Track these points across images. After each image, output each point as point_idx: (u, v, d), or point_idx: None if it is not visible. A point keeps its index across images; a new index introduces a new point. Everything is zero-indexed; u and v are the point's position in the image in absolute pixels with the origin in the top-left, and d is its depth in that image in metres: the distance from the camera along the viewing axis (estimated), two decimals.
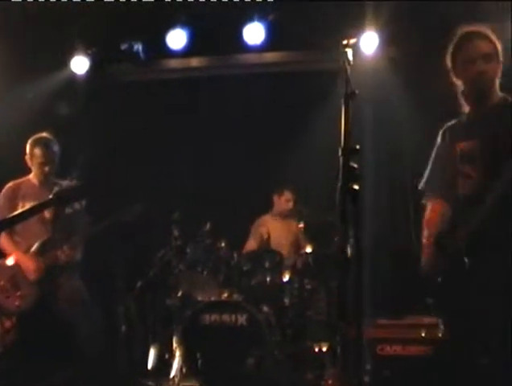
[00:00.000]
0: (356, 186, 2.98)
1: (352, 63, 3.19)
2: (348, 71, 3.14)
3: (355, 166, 3.00)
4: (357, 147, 3.00)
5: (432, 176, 4.20)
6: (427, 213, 4.21)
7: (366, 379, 5.46)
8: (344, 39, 3.21)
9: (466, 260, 3.75)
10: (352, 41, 3.22)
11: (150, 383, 6.23)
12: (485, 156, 3.74)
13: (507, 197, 3.57)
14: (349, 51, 3.20)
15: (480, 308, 3.79)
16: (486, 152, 3.74)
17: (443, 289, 3.99)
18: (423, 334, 5.61)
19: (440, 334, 5.60)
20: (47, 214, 5.78)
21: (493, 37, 3.87)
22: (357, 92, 3.09)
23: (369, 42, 7.16)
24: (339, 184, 2.96)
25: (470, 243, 3.73)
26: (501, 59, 3.83)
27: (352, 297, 3.06)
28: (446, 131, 4.14)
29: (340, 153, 3.00)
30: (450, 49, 3.94)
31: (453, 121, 4.07)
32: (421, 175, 4.37)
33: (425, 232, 4.20)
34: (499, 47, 3.84)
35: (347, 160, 2.98)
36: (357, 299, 3.02)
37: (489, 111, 3.82)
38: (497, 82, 3.83)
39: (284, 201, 7.61)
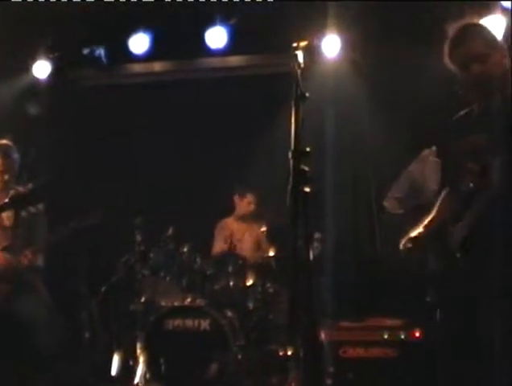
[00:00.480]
0: (307, 189, 2.97)
1: (302, 65, 3.17)
2: (299, 73, 3.12)
3: (306, 168, 2.99)
4: (308, 150, 2.99)
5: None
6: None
7: (329, 381, 5.47)
8: (295, 42, 3.20)
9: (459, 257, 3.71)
10: (302, 43, 3.21)
11: None
12: (489, 152, 3.57)
13: (496, 197, 3.53)
14: (300, 54, 3.19)
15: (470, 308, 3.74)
16: (491, 149, 3.56)
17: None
18: (385, 337, 5.63)
19: (403, 336, 5.63)
20: (6, 221, 5.72)
21: (487, 28, 3.70)
22: (307, 94, 3.08)
23: (331, 45, 7.21)
24: (289, 187, 2.96)
25: (463, 243, 3.69)
26: (503, 46, 3.64)
27: (307, 301, 3.03)
28: (454, 124, 3.89)
29: (290, 155, 2.99)
30: (446, 53, 3.71)
31: (462, 113, 3.82)
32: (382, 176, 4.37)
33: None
34: (497, 36, 3.67)
35: (297, 163, 2.97)
36: (310, 302, 3.00)
37: (500, 105, 3.58)
38: (507, 76, 3.58)
39: (246, 204, 7.58)
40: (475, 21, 3.78)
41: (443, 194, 4.06)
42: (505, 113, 3.52)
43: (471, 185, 3.67)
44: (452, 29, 3.70)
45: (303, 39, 3.23)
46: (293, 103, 3.07)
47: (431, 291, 5.58)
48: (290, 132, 3.06)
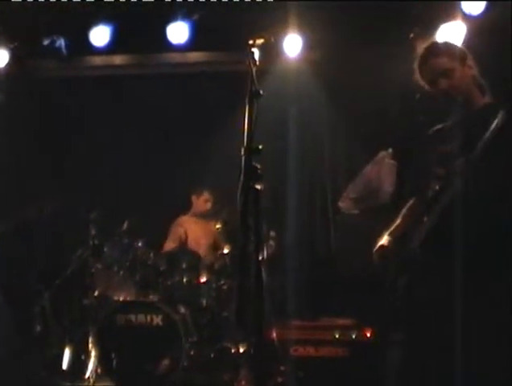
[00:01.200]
0: (258, 186, 2.97)
1: (258, 63, 3.17)
2: (254, 71, 3.12)
3: (257, 165, 2.99)
4: (260, 147, 2.99)
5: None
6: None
7: (280, 380, 5.49)
8: (250, 40, 3.20)
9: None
10: (259, 41, 3.22)
11: (65, 383, 6.15)
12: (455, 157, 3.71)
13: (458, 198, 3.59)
14: (256, 52, 3.19)
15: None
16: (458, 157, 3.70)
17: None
18: (336, 336, 5.67)
19: (354, 336, 5.68)
20: None
21: (452, 44, 3.93)
22: (261, 92, 3.07)
23: (292, 44, 7.22)
24: (240, 184, 2.96)
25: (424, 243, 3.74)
26: (469, 63, 3.81)
27: (257, 299, 3.03)
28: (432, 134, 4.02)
29: (242, 152, 2.99)
30: (416, 70, 3.87)
31: (439, 126, 3.97)
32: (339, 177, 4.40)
33: None
34: (463, 53, 3.84)
35: (249, 160, 2.97)
36: (260, 300, 2.99)
37: (469, 118, 3.76)
38: (475, 86, 3.80)
39: (203, 202, 7.59)
40: (441, 40, 3.98)
41: (410, 202, 4.10)
42: (473, 124, 3.67)
43: (437, 188, 3.75)
44: (420, 48, 3.89)
45: (259, 37, 3.23)
46: (247, 100, 3.06)
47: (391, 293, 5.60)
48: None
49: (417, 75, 3.87)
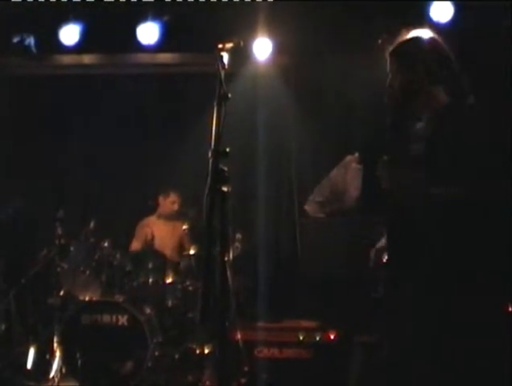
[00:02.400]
0: (225, 189, 3.00)
1: (226, 66, 3.20)
2: (222, 74, 3.15)
3: (225, 168, 3.02)
4: (227, 150, 3.02)
5: None
6: None
7: (243, 380, 5.51)
8: (219, 43, 3.23)
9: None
10: (228, 45, 3.24)
11: (29, 383, 6.12)
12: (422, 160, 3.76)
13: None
14: (225, 55, 3.22)
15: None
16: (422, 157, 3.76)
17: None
18: (300, 338, 5.71)
19: (318, 338, 5.72)
20: None
21: (416, 46, 3.88)
22: (229, 95, 3.10)
23: (262, 48, 7.26)
24: (207, 186, 2.98)
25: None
26: (432, 63, 3.79)
27: (221, 300, 3.05)
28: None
29: (209, 155, 3.02)
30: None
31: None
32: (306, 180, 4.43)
33: None
34: (424, 53, 3.82)
35: (216, 162, 3.00)
36: (224, 301, 3.02)
37: (430, 118, 3.79)
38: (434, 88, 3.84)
39: (169, 203, 7.59)
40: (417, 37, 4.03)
41: None
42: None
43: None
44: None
45: (228, 41, 3.26)
46: (215, 103, 3.09)
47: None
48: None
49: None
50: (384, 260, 3.93)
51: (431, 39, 3.99)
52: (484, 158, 3.60)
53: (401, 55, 3.84)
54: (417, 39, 4.02)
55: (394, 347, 3.74)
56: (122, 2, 6.91)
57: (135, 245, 7.44)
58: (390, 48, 3.91)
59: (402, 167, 3.70)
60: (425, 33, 6.55)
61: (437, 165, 3.59)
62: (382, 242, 4.08)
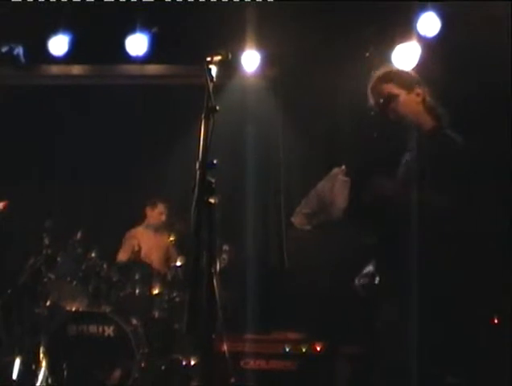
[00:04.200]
0: (212, 200, 3.02)
1: (215, 79, 3.23)
2: (211, 87, 3.17)
3: (212, 180, 3.04)
4: (215, 162, 3.04)
5: None
6: None
7: None
8: (208, 56, 3.26)
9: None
10: (216, 58, 3.28)
11: None
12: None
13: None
14: (213, 68, 3.25)
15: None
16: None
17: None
18: (287, 349, 5.71)
19: (304, 350, 5.73)
20: None
21: (402, 73, 4.20)
22: (217, 107, 3.13)
23: (250, 60, 7.28)
24: (195, 198, 3.00)
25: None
26: (417, 90, 4.03)
27: (207, 311, 3.07)
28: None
29: (197, 166, 3.04)
30: (369, 94, 4.14)
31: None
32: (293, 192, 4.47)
33: None
34: (412, 81, 4.07)
35: (203, 174, 3.02)
36: (208, 313, 3.04)
37: (417, 141, 4.01)
38: (419, 110, 4.03)
39: (157, 214, 7.61)
40: (393, 68, 4.35)
41: None
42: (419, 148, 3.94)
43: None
44: (375, 75, 4.15)
45: (216, 54, 3.29)
46: (203, 115, 3.12)
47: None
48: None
49: (370, 100, 4.12)
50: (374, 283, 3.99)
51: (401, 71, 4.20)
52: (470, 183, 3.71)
53: (393, 81, 4.03)
54: (404, 70, 4.21)
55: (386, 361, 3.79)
56: (111, 13, 6.92)
57: (122, 256, 7.44)
58: (370, 85, 4.10)
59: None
60: (413, 47, 6.65)
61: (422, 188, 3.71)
62: (369, 268, 4.13)
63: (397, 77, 4.08)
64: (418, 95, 4.02)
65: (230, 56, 3.37)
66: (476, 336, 3.91)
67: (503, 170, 5.39)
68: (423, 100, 4.03)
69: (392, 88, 4.00)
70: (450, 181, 3.72)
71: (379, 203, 3.93)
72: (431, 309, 3.63)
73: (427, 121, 4.02)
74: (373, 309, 4.00)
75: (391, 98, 3.98)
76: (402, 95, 3.99)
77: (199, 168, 3.03)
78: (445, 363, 3.70)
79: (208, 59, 3.25)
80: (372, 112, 4.20)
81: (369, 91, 4.12)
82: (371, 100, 4.10)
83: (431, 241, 3.66)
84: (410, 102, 4.01)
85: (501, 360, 4.22)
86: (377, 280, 3.99)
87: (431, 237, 3.65)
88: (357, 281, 4.18)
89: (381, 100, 4.01)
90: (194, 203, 3.00)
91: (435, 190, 3.71)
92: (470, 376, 3.80)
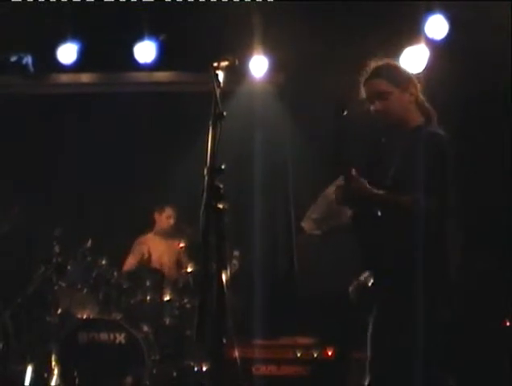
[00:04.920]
0: (220, 206, 3.02)
1: (222, 85, 3.22)
2: (218, 93, 3.17)
3: (220, 185, 3.04)
4: (223, 167, 3.04)
5: None
6: None
7: None
8: (215, 62, 3.26)
9: None
10: (223, 63, 3.27)
11: None
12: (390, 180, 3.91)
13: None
14: (220, 74, 3.25)
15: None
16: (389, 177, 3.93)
17: None
18: (298, 355, 5.71)
19: (316, 355, 5.72)
20: None
21: (395, 68, 4.05)
22: (225, 113, 3.12)
23: (258, 66, 7.29)
24: (203, 203, 3.00)
25: None
26: (411, 90, 3.94)
27: (218, 317, 3.06)
28: None
29: (205, 172, 3.04)
30: (362, 85, 4.05)
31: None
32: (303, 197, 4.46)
33: None
34: (406, 79, 3.97)
35: (212, 179, 3.02)
36: (221, 318, 3.03)
37: (401, 138, 3.95)
38: (410, 109, 3.94)
39: (165, 218, 7.59)
40: (388, 61, 4.09)
41: None
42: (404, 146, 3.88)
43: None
44: (368, 66, 4.05)
45: (224, 59, 3.29)
46: (210, 122, 3.11)
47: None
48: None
49: (360, 93, 4.06)
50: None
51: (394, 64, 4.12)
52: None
53: (384, 77, 3.93)
54: (396, 64, 4.13)
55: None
56: (119, 20, 6.94)
57: (130, 262, 7.43)
58: (363, 78, 4.02)
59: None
60: (421, 50, 6.64)
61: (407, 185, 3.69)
62: (366, 274, 4.12)
63: (390, 73, 3.96)
64: (411, 94, 3.92)
65: (237, 62, 3.36)
66: (478, 338, 3.91)
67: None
68: (416, 98, 3.94)
69: (384, 85, 3.90)
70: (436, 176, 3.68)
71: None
72: (430, 311, 3.63)
73: (416, 118, 3.94)
74: (365, 312, 3.97)
75: (382, 96, 3.89)
76: (396, 93, 3.89)
77: (207, 173, 3.03)
78: (447, 365, 3.70)
79: (215, 64, 3.24)
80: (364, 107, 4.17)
81: (361, 84, 4.04)
82: (362, 94, 4.04)
83: (423, 240, 3.65)
84: (402, 101, 3.90)
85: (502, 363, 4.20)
86: (370, 282, 3.95)
87: (421, 236, 3.65)
88: (350, 288, 4.15)
89: (373, 96, 3.93)
90: (202, 208, 2.99)
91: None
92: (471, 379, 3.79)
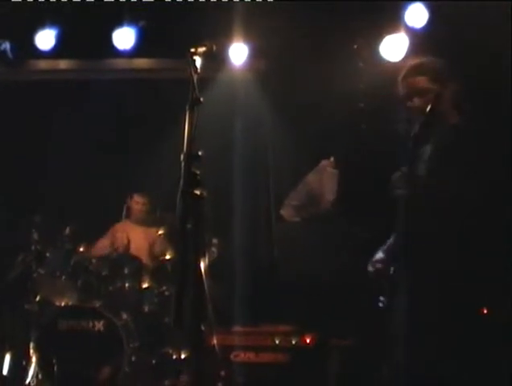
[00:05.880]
0: (197, 192, 3.01)
1: (199, 71, 3.21)
2: (195, 78, 3.16)
3: (197, 171, 3.03)
4: (200, 153, 3.03)
5: None
6: None
7: (220, 385, 5.51)
8: (192, 47, 3.24)
9: None
10: (201, 49, 3.26)
11: None
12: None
13: None
14: (198, 59, 3.24)
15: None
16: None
17: None
18: (277, 342, 5.72)
19: (294, 342, 5.74)
20: None
21: (434, 65, 4.06)
22: (202, 99, 3.12)
23: (237, 53, 7.26)
24: (180, 190, 2.99)
25: None
26: (451, 86, 3.96)
27: (195, 304, 3.06)
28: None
29: (182, 158, 3.03)
30: (399, 83, 4.07)
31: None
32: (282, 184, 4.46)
33: None
34: (445, 75, 3.99)
35: (189, 166, 3.01)
36: (197, 306, 3.03)
37: (435, 135, 3.95)
38: (447, 106, 3.95)
39: (135, 204, 7.58)
40: (426, 59, 4.13)
41: None
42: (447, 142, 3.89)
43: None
44: (408, 63, 4.12)
45: (201, 45, 3.28)
46: (187, 107, 3.10)
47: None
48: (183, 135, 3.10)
49: (399, 88, 4.07)
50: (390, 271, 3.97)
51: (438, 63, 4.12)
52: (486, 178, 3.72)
53: (426, 74, 3.97)
54: (438, 61, 4.13)
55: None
56: (98, 6, 6.88)
57: (103, 242, 7.39)
58: (402, 74, 4.05)
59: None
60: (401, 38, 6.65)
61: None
62: (379, 255, 4.13)
63: (431, 71, 3.99)
64: (451, 92, 3.94)
65: (215, 48, 3.34)
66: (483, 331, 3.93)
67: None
68: (454, 96, 3.97)
69: (425, 82, 3.94)
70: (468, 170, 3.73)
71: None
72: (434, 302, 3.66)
73: (452, 116, 3.97)
74: (385, 297, 3.98)
75: (421, 93, 3.93)
76: (435, 90, 3.89)
77: (183, 159, 3.02)
78: (448, 357, 3.72)
79: (192, 50, 3.23)
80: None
81: (399, 80, 4.06)
82: (401, 90, 4.05)
83: (439, 233, 3.68)
84: (441, 99, 3.90)
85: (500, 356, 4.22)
86: (391, 269, 3.95)
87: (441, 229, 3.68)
88: (370, 267, 4.15)
89: (412, 93, 3.96)
90: (179, 195, 2.99)
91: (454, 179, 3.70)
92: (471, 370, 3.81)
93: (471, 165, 3.74)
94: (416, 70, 4.00)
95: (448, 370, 3.66)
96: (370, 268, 4.15)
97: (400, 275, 3.88)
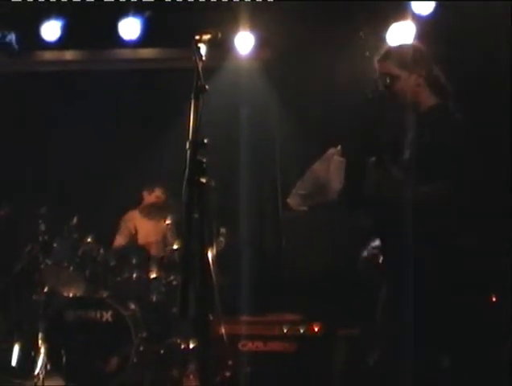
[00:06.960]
0: (203, 180, 3.00)
1: (204, 58, 3.20)
2: (200, 66, 3.15)
3: (203, 159, 3.02)
4: (205, 141, 3.02)
5: None
6: None
7: (228, 374, 5.53)
8: (197, 35, 3.23)
9: None
10: (205, 36, 3.24)
11: (14, 380, 6.10)
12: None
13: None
14: (203, 47, 3.22)
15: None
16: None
17: None
18: (284, 331, 5.72)
19: (302, 331, 5.73)
20: None
21: (398, 52, 4.06)
22: (207, 87, 3.10)
23: (243, 42, 7.24)
24: (185, 178, 2.98)
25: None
26: (419, 71, 3.95)
27: (202, 294, 3.05)
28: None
29: (187, 146, 3.02)
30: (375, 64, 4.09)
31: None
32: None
33: None
34: (414, 60, 3.98)
35: (194, 153, 3.00)
36: (204, 296, 3.02)
37: (415, 119, 3.99)
38: (419, 91, 3.97)
39: (154, 198, 7.53)
40: (400, 44, 4.38)
41: None
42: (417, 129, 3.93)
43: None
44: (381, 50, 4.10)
45: (205, 32, 3.26)
46: (192, 95, 3.09)
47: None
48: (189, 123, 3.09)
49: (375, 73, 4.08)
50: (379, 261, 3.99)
51: (416, 45, 4.13)
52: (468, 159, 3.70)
53: (392, 59, 3.98)
54: (406, 46, 4.15)
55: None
56: None
57: (119, 240, 7.39)
58: (378, 56, 4.04)
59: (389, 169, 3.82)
60: (407, 26, 6.62)
61: (422, 168, 3.69)
62: (376, 242, 4.13)
63: (398, 56, 4.00)
64: (419, 76, 3.94)
65: (220, 35, 3.32)
66: (474, 318, 3.92)
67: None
68: (426, 78, 3.96)
69: (392, 68, 3.95)
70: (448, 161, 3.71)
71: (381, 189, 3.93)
72: (428, 293, 3.64)
73: (427, 100, 3.97)
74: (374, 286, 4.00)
75: (392, 77, 3.94)
76: (403, 76, 3.92)
77: (189, 148, 3.01)
78: (442, 346, 3.71)
79: (197, 37, 3.22)
80: (370, 94, 4.19)
81: (375, 62, 4.07)
82: (377, 73, 4.07)
83: (430, 224, 3.66)
84: (410, 84, 3.94)
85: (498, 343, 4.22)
86: (380, 259, 3.95)
87: (429, 220, 3.66)
88: (366, 253, 4.15)
89: (384, 76, 3.97)
90: (185, 183, 2.97)
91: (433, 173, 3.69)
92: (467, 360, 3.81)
93: (447, 147, 3.73)
94: (385, 55, 4.01)
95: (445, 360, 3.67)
96: (365, 254, 4.16)
97: (388, 264, 3.90)
